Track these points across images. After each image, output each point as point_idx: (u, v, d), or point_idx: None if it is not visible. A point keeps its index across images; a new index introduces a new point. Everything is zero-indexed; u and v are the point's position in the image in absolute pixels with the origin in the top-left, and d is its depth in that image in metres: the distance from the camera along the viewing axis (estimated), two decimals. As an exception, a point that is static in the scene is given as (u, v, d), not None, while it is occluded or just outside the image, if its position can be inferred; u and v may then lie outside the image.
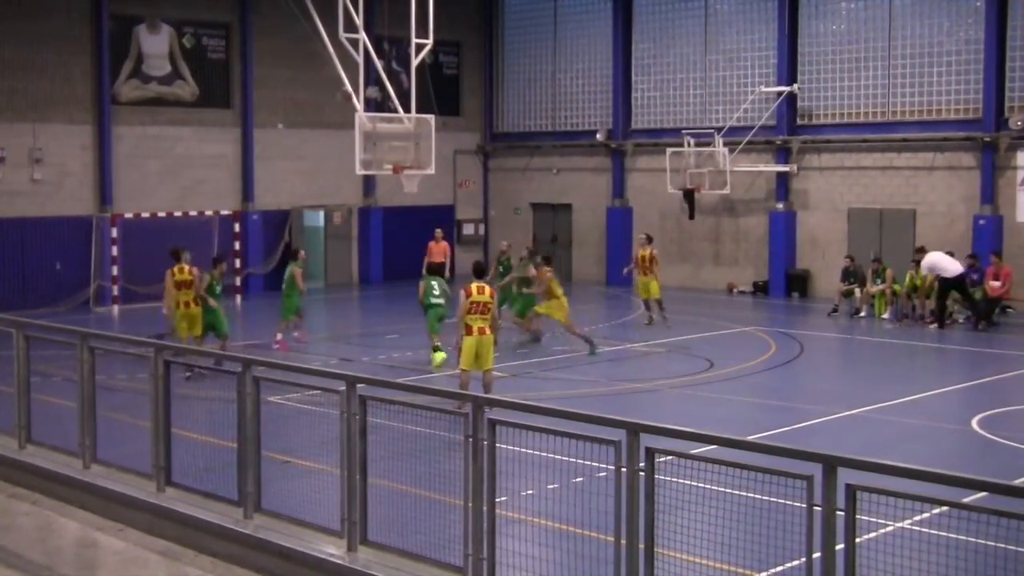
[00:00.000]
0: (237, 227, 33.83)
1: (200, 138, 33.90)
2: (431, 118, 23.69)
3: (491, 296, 16.66)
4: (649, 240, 27.55)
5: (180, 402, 11.98)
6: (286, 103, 35.21)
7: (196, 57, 33.92)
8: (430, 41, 23.68)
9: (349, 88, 22.22)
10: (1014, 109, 29.21)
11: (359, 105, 22.30)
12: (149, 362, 11.74)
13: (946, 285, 26.53)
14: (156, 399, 11.65)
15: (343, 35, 23.19)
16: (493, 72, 40.28)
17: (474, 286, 16.50)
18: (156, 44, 33.18)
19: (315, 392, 11.10)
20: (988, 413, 17.23)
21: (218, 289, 21.75)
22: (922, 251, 27.71)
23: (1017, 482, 10.75)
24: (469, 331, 16.36)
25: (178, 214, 32.67)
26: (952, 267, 26.47)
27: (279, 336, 23.49)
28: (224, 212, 33.75)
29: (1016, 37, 29.17)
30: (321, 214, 36.74)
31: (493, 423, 8.71)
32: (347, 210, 37.05)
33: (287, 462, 12.74)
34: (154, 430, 11.68)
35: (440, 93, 32.93)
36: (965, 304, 26.99)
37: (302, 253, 25.34)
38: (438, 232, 29.53)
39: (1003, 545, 6.74)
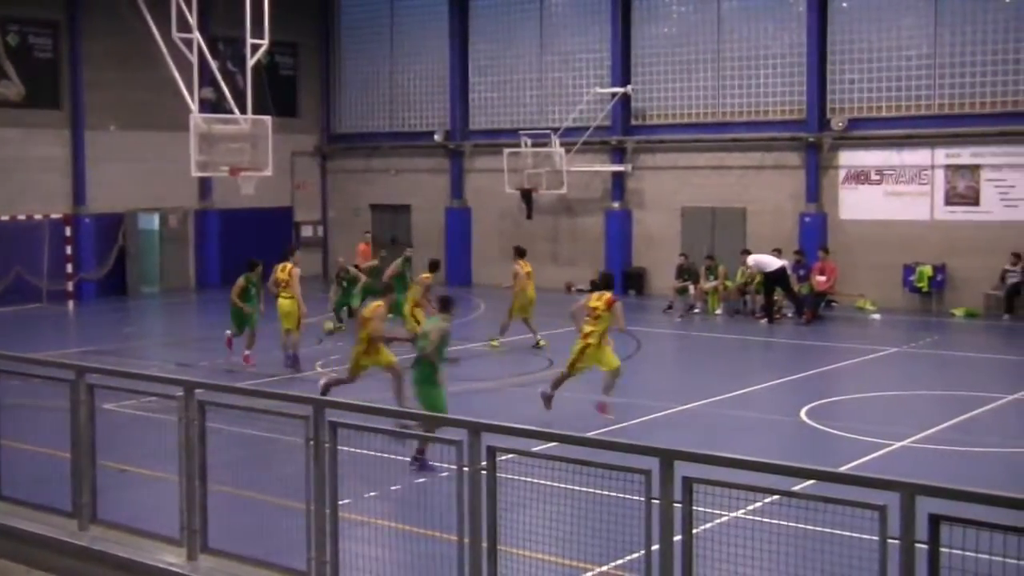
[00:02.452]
0: (68, 231, 32.91)
1: (28, 140, 32.81)
2: (268, 119, 23.46)
3: (606, 305, 16.79)
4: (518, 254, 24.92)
5: (8, 412, 11.61)
6: (119, 104, 34.32)
7: (22, 56, 32.82)
8: (266, 41, 23.48)
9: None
10: (835, 111, 30.31)
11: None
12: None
13: (769, 280, 27.50)
14: (-16, 410, 11.28)
15: (176, 35, 22.81)
16: (330, 73, 40.01)
17: (595, 294, 17.25)
18: (-22, 42, 32.04)
19: (152, 398, 10.91)
20: (816, 404, 17.83)
21: (252, 291, 21.85)
22: (747, 252, 28.75)
23: (842, 469, 11.18)
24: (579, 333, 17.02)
25: (5, 218, 31.63)
26: (773, 263, 27.47)
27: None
28: (55, 216, 32.79)
29: (836, 42, 30.27)
30: (156, 217, 35.97)
31: (334, 425, 8.68)
32: (183, 213, 36.35)
33: (124, 471, 12.49)
34: (-19, 442, 11.31)
35: (277, 94, 32.57)
36: (786, 297, 27.97)
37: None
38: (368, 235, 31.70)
39: (830, 530, 7.03)
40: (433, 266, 23.44)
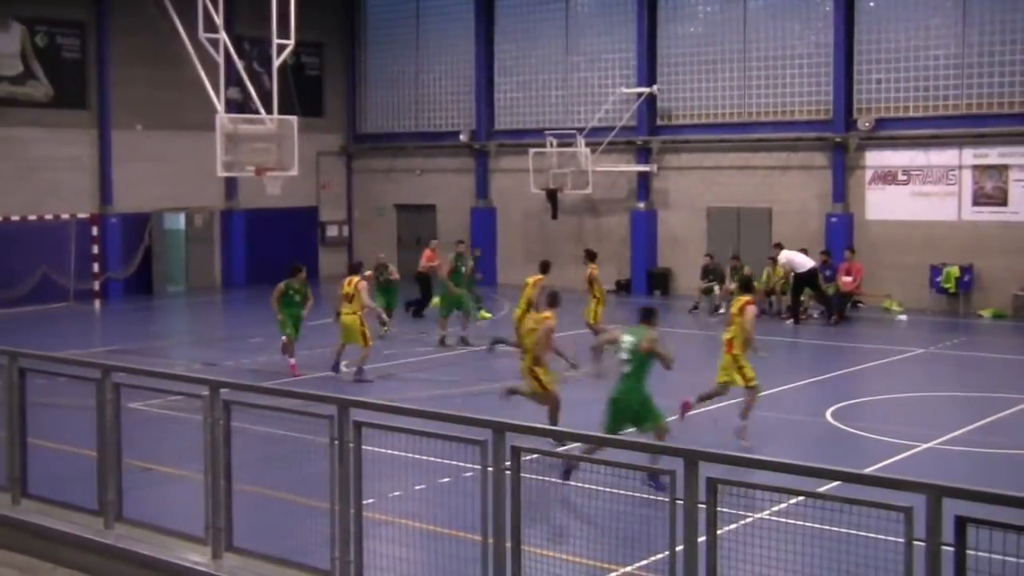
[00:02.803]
0: (95, 230, 33.09)
1: (55, 140, 33.03)
2: (293, 119, 23.52)
3: (739, 309, 15.64)
4: (590, 257, 24.38)
5: (36, 411, 11.68)
6: (145, 104, 34.49)
7: (50, 56, 33.04)
8: (292, 41, 23.54)
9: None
10: (862, 111, 30.18)
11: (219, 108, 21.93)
12: (3, 371, 11.42)
13: (799, 280, 27.38)
14: (10, 408, 11.33)
15: (203, 35, 22.89)
16: (355, 73, 40.10)
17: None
18: (6, 42, 32.23)
19: (178, 398, 10.95)
20: (841, 405, 17.75)
21: (296, 298, 20.84)
22: (779, 247, 28.56)
23: (868, 470, 11.13)
24: None
25: (32, 218, 31.82)
26: (805, 263, 27.33)
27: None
28: (81, 215, 32.98)
29: (862, 42, 30.14)
30: (182, 216, 36.14)
31: (359, 425, 8.69)
32: (208, 212, 36.51)
33: (149, 469, 12.54)
34: (8, 440, 11.37)
35: (302, 94, 32.64)
36: (816, 299, 27.86)
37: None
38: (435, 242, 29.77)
39: (855, 532, 6.99)
40: (544, 267, 22.14)
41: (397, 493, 10.54)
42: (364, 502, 8.76)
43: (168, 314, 32.51)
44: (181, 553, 9.73)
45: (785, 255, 27.86)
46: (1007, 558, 5.94)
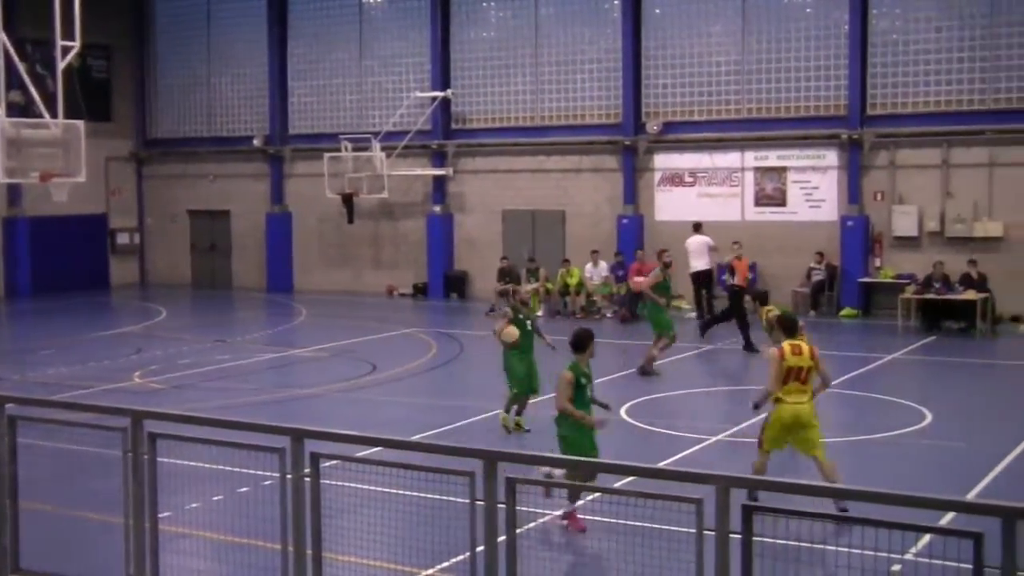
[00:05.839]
0: None
1: None
2: (80, 124, 22.84)
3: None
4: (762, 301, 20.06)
5: None
6: (-84, 107, 32.83)
7: None
8: (77, 44, 22.82)
9: None
10: (650, 115, 31.00)
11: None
12: None
13: (696, 281, 28.12)
14: None
15: (-20, 36, 21.97)
16: (145, 77, 39.09)
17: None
18: None
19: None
20: (635, 402, 18.19)
21: (589, 392, 13.12)
22: (567, 262, 29.28)
23: (661, 465, 11.48)
24: None
25: None
26: (696, 263, 28.02)
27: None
28: None
29: (650, 48, 30.97)
30: (-41, 225, 34.59)
31: (153, 436, 8.51)
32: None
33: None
34: None
35: (89, 98, 31.68)
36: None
37: None
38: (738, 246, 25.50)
39: (651, 524, 7.22)
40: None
41: (195, 505, 10.37)
42: (160, 515, 8.59)
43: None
44: (-35, 576, 9.36)
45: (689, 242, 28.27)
46: (789, 542, 6.24)
